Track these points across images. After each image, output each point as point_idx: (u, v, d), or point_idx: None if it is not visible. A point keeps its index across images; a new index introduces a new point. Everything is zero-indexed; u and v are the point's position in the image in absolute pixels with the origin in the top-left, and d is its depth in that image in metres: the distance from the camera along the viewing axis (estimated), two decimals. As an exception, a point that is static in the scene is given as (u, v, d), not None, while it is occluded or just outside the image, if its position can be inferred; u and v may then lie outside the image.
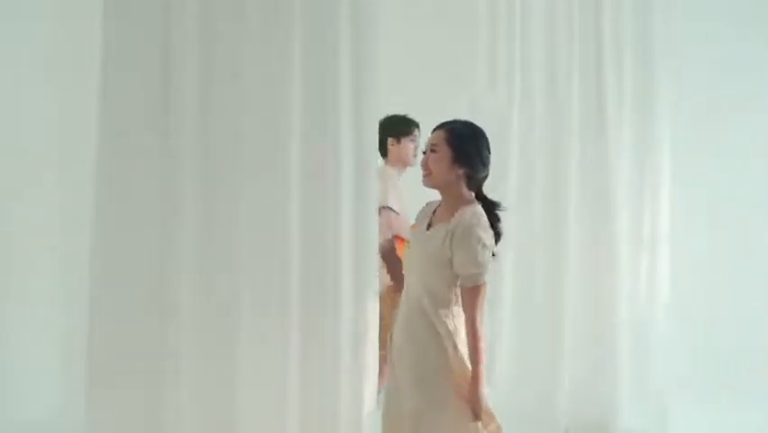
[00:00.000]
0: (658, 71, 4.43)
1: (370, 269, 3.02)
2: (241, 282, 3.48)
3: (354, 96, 3.29)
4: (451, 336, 2.53)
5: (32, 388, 4.13)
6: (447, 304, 2.55)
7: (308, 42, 3.48)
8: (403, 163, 3.77)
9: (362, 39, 3.44)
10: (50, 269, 4.25)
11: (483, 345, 2.48)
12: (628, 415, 4.31)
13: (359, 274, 2.99)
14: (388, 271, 3.62)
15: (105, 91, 3.35)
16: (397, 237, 3.67)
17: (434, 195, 2.74)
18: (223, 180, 3.46)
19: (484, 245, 2.48)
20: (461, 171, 2.57)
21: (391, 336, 2.74)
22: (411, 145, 3.73)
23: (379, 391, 2.94)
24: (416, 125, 3.75)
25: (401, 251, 3.52)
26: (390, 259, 3.60)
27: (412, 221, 2.89)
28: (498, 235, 2.59)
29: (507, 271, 4.14)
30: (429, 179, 2.61)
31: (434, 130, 2.64)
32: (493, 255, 2.54)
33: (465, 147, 2.56)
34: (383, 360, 3.29)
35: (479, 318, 2.49)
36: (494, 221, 2.59)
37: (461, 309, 2.55)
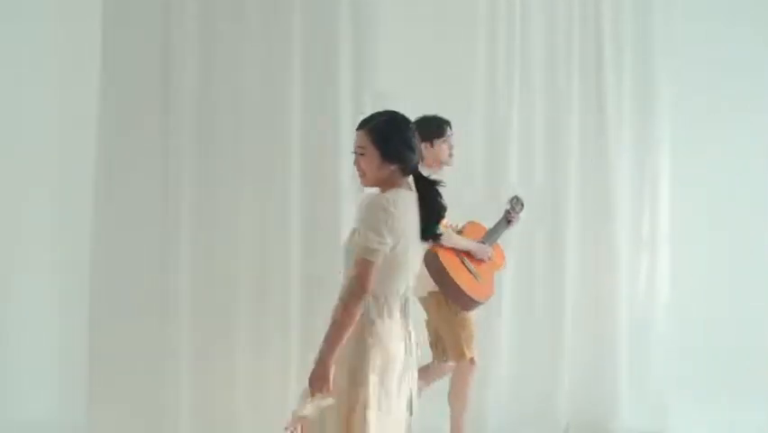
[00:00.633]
0: (658, 71, 4.43)
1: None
2: (240, 282, 3.49)
3: (354, 96, 3.29)
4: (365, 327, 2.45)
5: (32, 388, 4.13)
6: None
7: (308, 42, 3.48)
8: (439, 164, 3.73)
9: (362, 39, 3.44)
10: (49, 269, 4.24)
11: (348, 321, 2.37)
12: (628, 415, 4.31)
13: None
14: (432, 277, 3.56)
15: (105, 91, 3.35)
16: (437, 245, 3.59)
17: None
18: (222, 180, 3.46)
19: (369, 225, 2.39)
20: (393, 167, 2.53)
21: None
22: (445, 146, 3.70)
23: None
24: (448, 124, 3.70)
25: (443, 258, 3.50)
26: (434, 267, 3.54)
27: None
28: (442, 209, 2.54)
29: (508, 271, 4.13)
30: (365, 180, 2.57)
31: (357, 129, 2.57)
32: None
33: (391, 143, 2.50)
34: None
35: (356, 293, 2.37)
36: (435, 197, 2.54)
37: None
